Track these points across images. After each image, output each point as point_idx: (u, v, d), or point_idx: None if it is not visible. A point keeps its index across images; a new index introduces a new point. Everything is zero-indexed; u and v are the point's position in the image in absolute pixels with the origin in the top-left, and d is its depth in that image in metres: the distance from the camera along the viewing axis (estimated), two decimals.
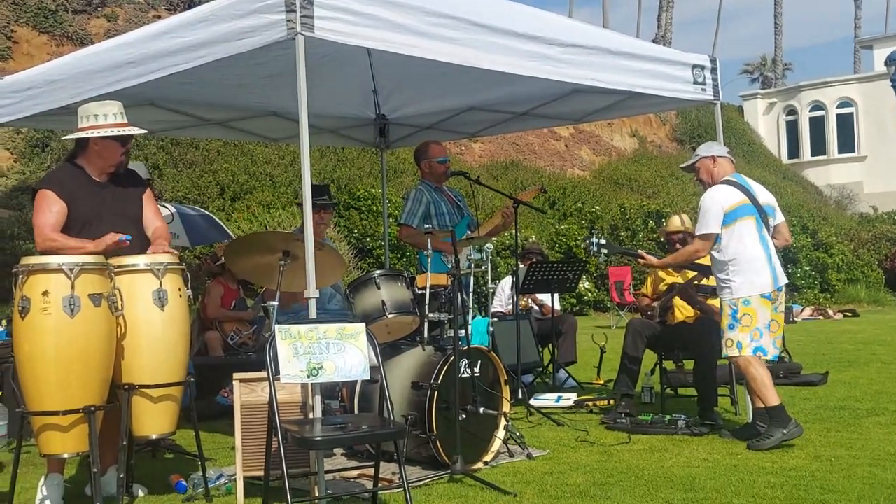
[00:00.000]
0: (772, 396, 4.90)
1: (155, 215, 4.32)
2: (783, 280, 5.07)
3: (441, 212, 6.02)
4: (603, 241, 5.61)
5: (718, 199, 5.06)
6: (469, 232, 6.02)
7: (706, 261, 5.39)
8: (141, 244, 4.15)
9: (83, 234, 4.02)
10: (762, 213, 5.09)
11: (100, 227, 4.06)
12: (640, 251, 5.75)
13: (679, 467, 4.48)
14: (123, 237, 3.92)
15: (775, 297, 5.01)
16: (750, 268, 4.96)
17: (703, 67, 5.91)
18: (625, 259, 16.76)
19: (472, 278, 5.36)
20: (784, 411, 4.89)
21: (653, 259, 5.59)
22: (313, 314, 3.86)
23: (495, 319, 7.05)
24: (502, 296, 8.18)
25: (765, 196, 5.21)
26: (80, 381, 3.55)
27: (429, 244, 4.89)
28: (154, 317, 3.80)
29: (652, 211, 18.14)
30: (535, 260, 8.02)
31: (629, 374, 5.86)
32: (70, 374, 3.52)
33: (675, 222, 6.35)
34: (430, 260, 4.83)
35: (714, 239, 5.04)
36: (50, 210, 4.01)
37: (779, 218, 5.26)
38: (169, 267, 3.86)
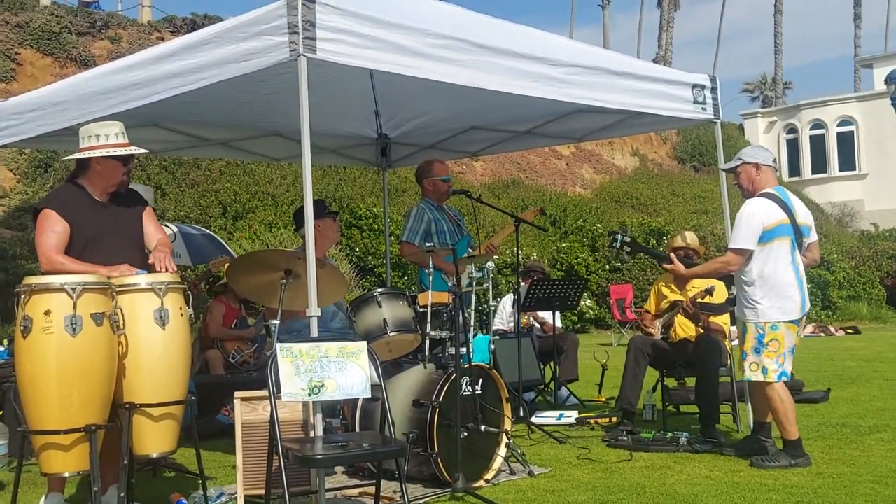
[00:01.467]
0: (792, 430, 4.83)
1: (157, 231, 4.34)
2: (809, 304, 4.94)
3: (442, 230, 6.06)
4: (628, 239, 5.29)
5: (759, 215, 4.85)
6: (470, 250, 6.06)
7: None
8: (142, 263, 4.16)
9: (85, 254, 4.03)
10: (798, 234, 4.92)
11: (101, 246, 4.08)
12: (670, 254, 5.42)
13: (681, 485, 4.47)
14: (138, 272, 3.93)
15: (801, 322, 4.94)
16: (781, 292, 4.81)
17: (703, 87, 5.95)
18: (626, 276, 16.80)
19: (473, 296, 5.38)
20: (800, 447, 4.83)
21: (681, 267, 5.32)
22: (315, 332, 3.87)
23: (496, 337, 7.05)
24: (503, 314, 8.19)
25: (804, 216, 5.01)
26: (82, 400, 3.55)
27: (430, 262, 4.91)
28: (155, 336, 3.80)
29: (653, 229, 18.17)
30: (536, 278, 8.03)
31: (631, 391, 5.85)
32: (71, 393, 3.52)
33: (679, 239, 6.31)
34: (430, 278, 4.85)
35: (749, 255, 4.86)
36: (53, 230, 4.03)
37: (812, 237, 5.08)
38: (170, 286, 3.87)
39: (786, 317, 4.82)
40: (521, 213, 7.34)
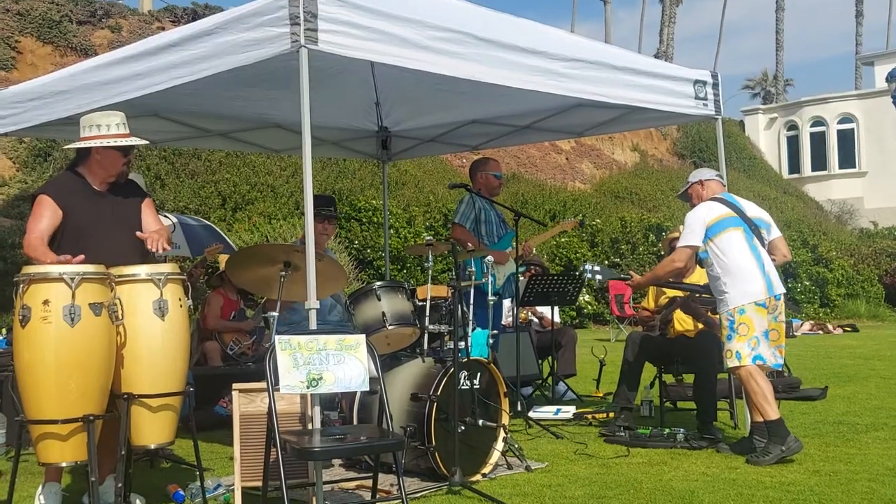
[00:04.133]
0: (771, 410, 4.89)
1: (155, 223, 4.33)
2: (779, 289, 5.06)
3: (490, 220, 6.39)
4: (597, 268, 5.96)
5: (700, 214, 5.17)
6: (511, 248, 6.36)
7: (700, 279, 5.44)
8: (139, 254, 4.15)
9: (81, 243, 4.02)
10: (752, 225, 5.13)
11: (97, 235, 4.07)
12: (630, 272, 5.96)
13: (678, 481, 4.48)
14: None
15: (772, 306, 5.00)
16: (742, 277, 4.98)
17: (704, 83, 5.94)
18: (625, 272, 16.83)
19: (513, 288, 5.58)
20: (783, 426, 4.88)
21: (637, 276, 5.68)
22: (313, 325, 3.86)
23: (495, 332, 7.05)
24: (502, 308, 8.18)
25: (754, 210, 5.26)
26: (80, 390, 3.55)
27: (423, 254, 4.92)
28: (154, 326, 3.80)
29: (652, 224, 18.17)
30: (534, 271, 8.03)
31: (628, 386, 5.86)
32: (69, 383, 3.53)
33: (678, 231, 6.35)
34: (429, 272, 4.84)
35: (694, 251, 5.15)
36: (43, 216, 4.03)
37: (774, 233, 5.27)
38: (170, 277, 3.87)
39: (751, 298, 4.95)
40: (561, 222, 7.65)
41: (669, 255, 6.21)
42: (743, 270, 4.99)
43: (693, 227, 5.12)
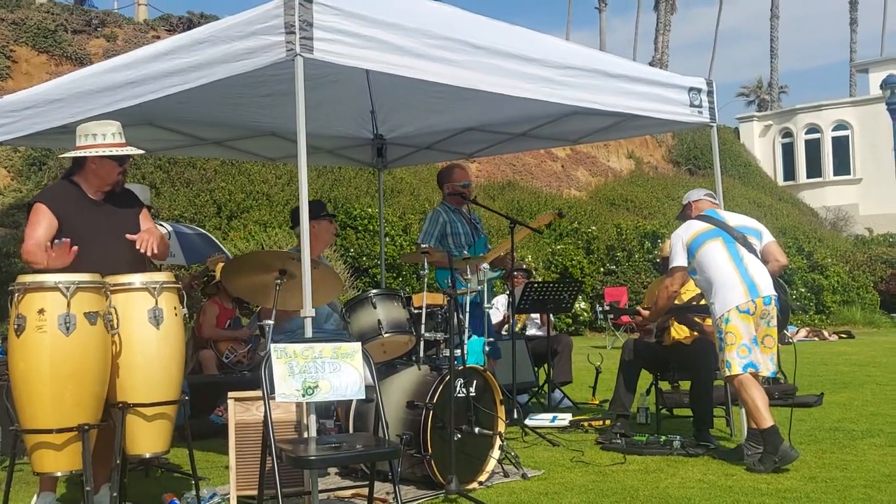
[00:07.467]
0: (763, 419, 4.86)
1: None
2: (766, 291, 4.98)
3: (457, 231, 6.30)
4: (608, 308, 7.04)
5: (680, 235, 5.25)
6: (466, 252, 6.11)
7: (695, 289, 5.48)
8: (135, 263, 4.14)
9: (77, 252, 4.02)
10: (734, 234, 5.14)
11: (93, 244, 4.07)
12: (638, 307, 6.09)
13: (674, 488, 4.48)
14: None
15: (760, 311, 4.95)
16: (722, 285, 5.00)
17: (699, 90, 5.95)
18: (621, 279, 16.87)
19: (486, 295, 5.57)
20: (777, 434, 4.85)
21: (644, 312, 5.81)
22: (309, 333, 3.86)
23: (491, 339, 7.05)
24: (497, 315, 8.18)
25: (738, 220, 5.30)
26: (75, 399, 3.54)
27: (419, 262, 4.92)
28: (149, 335, 3.80)
29: (648, 232, 18.19)
30: (520, 278, 8.03)
31: (625, 394, 5.86)
32: (65, 392, 3.51)
33: (668, 246, 6.36)
34: (425, 280, 4.85)
35: (682, 272, 5.23)
36: (40, 223, 4.03)
37: (766, 239, 5.24)
38: (165, 286, 3.86)
39: (731, 305, 4.95)
40: (537, 217, 7.59)
41: (665, 268, 6.26)
42: (723, 278, 5.01)
43: (676, 250, 5.22)
